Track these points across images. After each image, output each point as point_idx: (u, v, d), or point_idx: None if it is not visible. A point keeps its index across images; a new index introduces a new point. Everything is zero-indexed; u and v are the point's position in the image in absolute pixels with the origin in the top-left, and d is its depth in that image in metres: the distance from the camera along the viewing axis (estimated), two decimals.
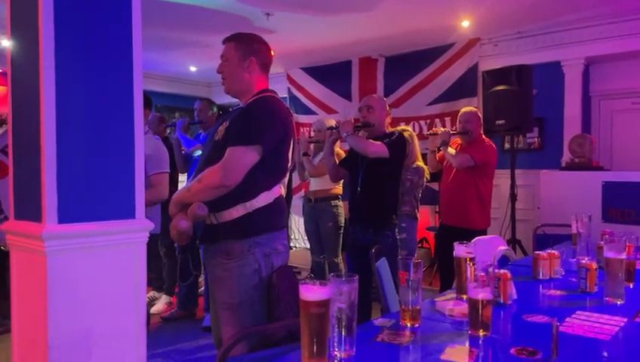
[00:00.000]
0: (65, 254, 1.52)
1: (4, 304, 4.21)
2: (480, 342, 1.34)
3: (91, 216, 1.58)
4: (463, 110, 3.83)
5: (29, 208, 1.58)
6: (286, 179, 2.09)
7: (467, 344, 1.33)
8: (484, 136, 3.80)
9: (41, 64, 1.52)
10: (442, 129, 3.83)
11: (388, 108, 3.15)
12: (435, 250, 4.90)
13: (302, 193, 5.06)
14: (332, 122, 3.61)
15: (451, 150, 3.67)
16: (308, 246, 4.83)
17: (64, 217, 1.52)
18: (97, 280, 1.58)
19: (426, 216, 5.82)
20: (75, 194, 1.56)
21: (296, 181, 5.73)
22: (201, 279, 4.28)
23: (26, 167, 1.61)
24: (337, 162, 3.21)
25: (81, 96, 1.60)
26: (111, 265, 1.61)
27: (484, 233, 3.74)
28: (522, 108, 4.22)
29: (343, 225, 4.13)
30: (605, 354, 1.29)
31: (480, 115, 3.87)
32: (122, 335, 1.64)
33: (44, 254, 1.50)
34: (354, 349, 1.21)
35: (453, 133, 3.76)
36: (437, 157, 3.87)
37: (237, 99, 2.09)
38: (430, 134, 3.95)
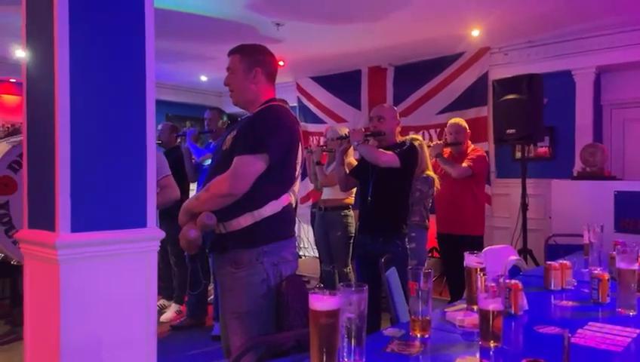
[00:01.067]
0: (77, 262, 1.54)
1: (15, 312, 4.28)
2: (491, 353, 1.33)
3: (104, 225, 1.60)
4: (452, 121, 4.00)
5: (42, 217, 1.60)
6: (295, 188, 2.09)
7: (478, 355, 1.31)
8: (473, 146, 3.99)
9: (56, 74, 1.55)
10: (435, 141, 4.04)
11: (398, 117, 3.15)
12: (442, 261, 4.87)
13: (309, 202, 5.06)
14: (345, 130, 3.63)
15: (455, 164, 3.79)
16: (317, 255, 4.82)
17: (77, 226, 1.55)
18: (109, 288, 1.60)
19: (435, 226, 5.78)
20: (88, 203, 1.58)
21: (302, 190, 5.73)
22: (211, 288, 4.28)
23: (40, 176, 1.64)
24: (348, 172, 3.21)
25: (95, 107, 1.63)
26: (122, 273, 1.62)
27: (482, 239, 3.90)
28: (533, 118, 4.21)
29: (352, 234, 4.12)
30: None
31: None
32: (133, 342, 1.65)
33: (57, 262, 1.52)
34: (363, 359, 1.21)
35: (446, 145, 3.92)
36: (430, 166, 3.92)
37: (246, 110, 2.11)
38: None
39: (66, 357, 1.48)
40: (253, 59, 2.02)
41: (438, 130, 5.63)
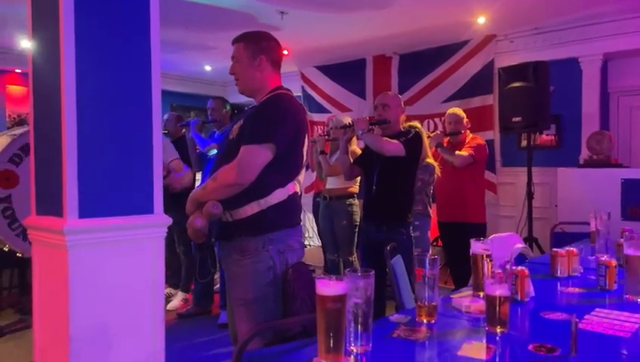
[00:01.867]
0: (85, 248, 1.56)
1: (24, 301, 4.33)
2: (497, 338, 1.33)
3: (111, 211, 1.61)
4: (450, 111, 4.02)
5: (50, 204, 1.61)
6: (301, 177, 2.09)
7: (484, 340, 1.32)
8: (472, 135, 4.02)
9: (62, 63, 1.55)
10: (435, 132, 4.10)
11: (403, 105, 3.14)
12: (444, 250, 4.87)
13: (313, 192, 5.06)
14: (348, 120, 3.61)
15: (460, 152, 3.82)
16: (321, 244, 4.82)
17: (85, 212, 1.56)
18: (117, 273, 1.61)
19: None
20: (96, 189, 1.59)
21: (306, 179, 5.73)
22: (217, 276, 4.31)
23: (47, 163, 1.65)
24: (352, 160, 3.21)
25: (101, 95, 1.63)
26: (130, 259, 1.64)
27: (485, 227, 3.92)
28: (539, 105, 4.18)
29: (357, 223, 4.12)
30: (625, 351, 1.27)
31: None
32: (140, 327, 1.66)
33: (65, 248, 1.53)
34: (370, 344, 1.21)
35: (446, 134, 3.95)
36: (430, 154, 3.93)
37: (252, 99, 2.10)
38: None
39: (76, 341, 1.50)
40: (257, 46, 2.01)
41: (443, 118, 5.59)
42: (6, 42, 5.39)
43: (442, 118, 5.59)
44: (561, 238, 3.52)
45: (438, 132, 4.04)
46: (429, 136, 3.87)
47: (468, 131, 4.02)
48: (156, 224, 1.72)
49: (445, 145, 3.94)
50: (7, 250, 3.72)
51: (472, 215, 3.83)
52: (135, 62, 1.71)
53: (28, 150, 3.58)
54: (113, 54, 1.66)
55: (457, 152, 3.83)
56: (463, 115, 3.99)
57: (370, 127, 3.00)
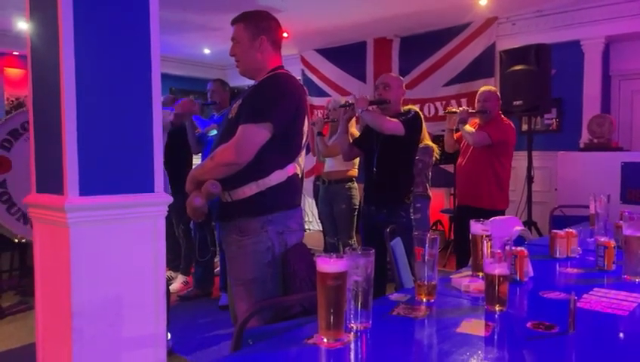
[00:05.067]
0: (86, 226, 1.56)
1: (24, 283, 4.35)
2: (496, 316, 1.34)
3: (112, 190, 1.61)
4: (482, 89, 3.74)
5: (50, 181, 1.61)
6: (302, 159, 2.08)
7: (483, 318, 1.33)
8: (502, 116, 3.71)
9: (60, 43, 1.54)
10: (461, 108, 3.75)
11: (404, 86, 3.12)
12: (454, 231, 4.87)
13: (312, 177, 5.07)
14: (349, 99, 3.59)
15: (469, 128, 3.60)
16: (321, 228, 4.84)
17: (85, 190, 1.56)
18: (118, 251, 1.62)
19: (441, 199, 5.79)
20: (96, 167, 1.59)
21: (307, 164, 5.73)
22: (217, 260, 4.33)
23: (47, 140, 1.64)
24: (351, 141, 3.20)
25: (100, 73, 1.62)
26: (131, 237, 1.64)
27: (503, 214, 3.73)
28: (540, 89, 4.16)
29: (357, 206, 4.13)
30: (623, 329, 1.28)
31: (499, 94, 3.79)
32: (143, 305, 1.68)
33: (66, 225, 1.53)
34: (370, 322, 1.22)
35: (471, 112, 3.68)
36: (455, 137, 3.81)
37: (252, 80, 2.08)
38: (448, 112, 3.85)
39: (78, 317, 1.51)
40: (257, 27, 1.99)
41: (443, 102, 5.58)
42: (3, 24, 5.34)
43: (443, 102, 5.58)
44: (560, 221, 3.52)
45: (464, 108, 3.74)
46: (454, 112, 3.72)
47: (500, 113, 3.69)
48: (157, 202, 1.72)
49: (475, 125, 3.68)
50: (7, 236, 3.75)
51: (486, 201, 3.54)
52: (134, 40, 1.69)
53: (17, 134, 3.64)
54: (112, 32, 1.64)
55: (473, 130, 3.59)
56: (497, 93, 3.70)
57: (370, 106, 2.98)
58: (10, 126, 3.64)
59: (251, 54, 1.98)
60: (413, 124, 2.89)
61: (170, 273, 4.56)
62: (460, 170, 3.78)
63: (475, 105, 3.71)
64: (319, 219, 4.75)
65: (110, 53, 1.64)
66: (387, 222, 2.61)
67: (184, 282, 4.43)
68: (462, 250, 3.89)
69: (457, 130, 3.71)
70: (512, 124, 3.66)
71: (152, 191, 1.72)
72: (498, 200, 3.60)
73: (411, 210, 3.03)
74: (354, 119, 3.37)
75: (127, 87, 1.67)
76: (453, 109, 3.79)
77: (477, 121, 3.72)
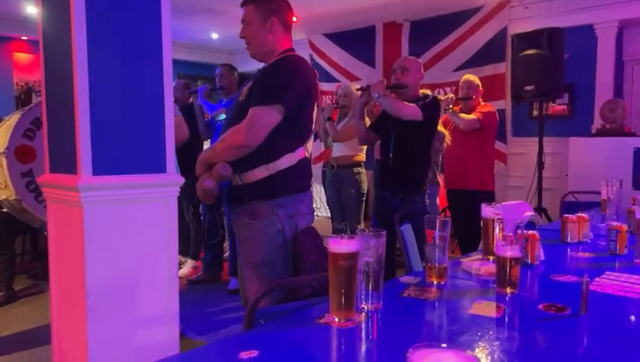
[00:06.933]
0: (100, 205, 1.57)
1: (36, 267, 4.40)
2: (507, 298, 1.34)
3: (124, 170, 1.63)
4: (465, 78, 4.05)
5: (64, 161, 1.63)
6: (310, 144, 2.07)
7: (495, 300, 1.32)
8: (483, 103, 4.00)
9: (72, 23, 1.54)
10: (448, 95, 4.04)
11: (422, 70, 3.07)
12: (451, 217, 4.87)
13: (320, 163, 5.05)
14: (357, 87, 3.57)
15: (463, 115, 3.82)
16: (329, 214, 4.84)
17: (98, 169, 1.57)
18: (132, 231, 1.64)
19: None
20: (109, 147, 1.61)
21: (314, 150, 5.71)
22: (226, 245, 4.35)
23: (60, 121, 1.65)
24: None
25: (112, 55, 1.63)
26: (144, 217, 1.66)
27: (492, 194, 3.94)
28: (552, 74, 4.10)
29: (365, 192, 4.12)
30: (634, 311, 1.27)
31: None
32: (155, 284, 1.70)
33: (80, 205, 1.55)
34: (381, 303, 1.22)
35: (457, 98, 3.93)
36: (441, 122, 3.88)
37: (262, 64, 2.07)
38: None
39: (92, 296, 1.53)
40: (268, 8, 1.97)
41: (454, 88, 5.52)
42: (12, 8, 5.34)
43: (453, 88, 5.53)
44: (571, 207, 3.50)
45: (450, 95, 4.02)
46: (440, 100, 3.85)
47: (480, 99, 3.99)
48: (169, 183, 1.73)
49: (457, 110, 3.93)
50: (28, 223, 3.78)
51: (477, 182, 3.83)
52: (146, 22, 1.69)
53: (40, 123, 3.63)
54: (124, 14, 1.64)
55: (464, 115, 3.82)
56: (478, 81, 4.00)
57: (387, 91, 2.94)
58: (33, 115, 3.59)
59: (262, 36, 1.97)
60: (431, 109, 2.85)
61: (179, 258, 4.59)
62: (450, 155, 3.93)
63: (460, 92, 4.01)
64: (327, 205, 4.75)
65: (122, 34, 1.65)
66: (401, 208, 2.60)
67: (193, 266, 4.47)
68: (463, 236, 3.95)
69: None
70: (494, 109, 3.96)
71: (165, 171, 1.73)
72: (488, 181, 3.90)
73: (426, 196, 3.00)
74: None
75: (139, 68, 1.68)
76: (440, 97, 3.91)
77: (459, 106, 4.00)
